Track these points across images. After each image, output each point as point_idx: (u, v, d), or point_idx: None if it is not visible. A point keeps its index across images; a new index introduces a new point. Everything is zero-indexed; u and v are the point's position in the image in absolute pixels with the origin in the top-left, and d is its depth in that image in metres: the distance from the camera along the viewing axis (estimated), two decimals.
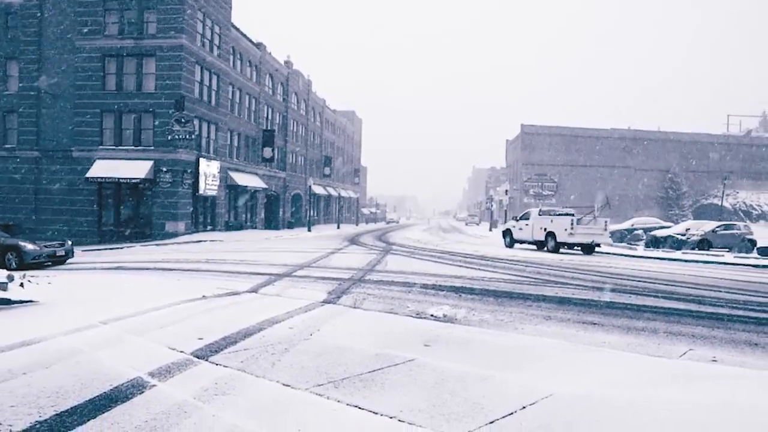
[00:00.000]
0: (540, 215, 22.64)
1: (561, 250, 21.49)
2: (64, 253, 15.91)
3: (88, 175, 29.77)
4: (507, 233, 24.96)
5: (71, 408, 3.56)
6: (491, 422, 3.39)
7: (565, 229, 20.57)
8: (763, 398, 3.86)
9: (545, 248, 21.65)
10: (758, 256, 20.37)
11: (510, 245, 24.41)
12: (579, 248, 21.52)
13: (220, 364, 4.62)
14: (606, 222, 21.63)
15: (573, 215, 21.65)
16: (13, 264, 14.50)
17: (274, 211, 47.23)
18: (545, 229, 21.65)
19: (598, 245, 21.23)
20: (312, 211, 55.00)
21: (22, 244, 15.06)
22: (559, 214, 22.46)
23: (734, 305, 8.53)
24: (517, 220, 24.21)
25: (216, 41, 34.33)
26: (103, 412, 3.48)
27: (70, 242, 16.74)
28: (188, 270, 13.16)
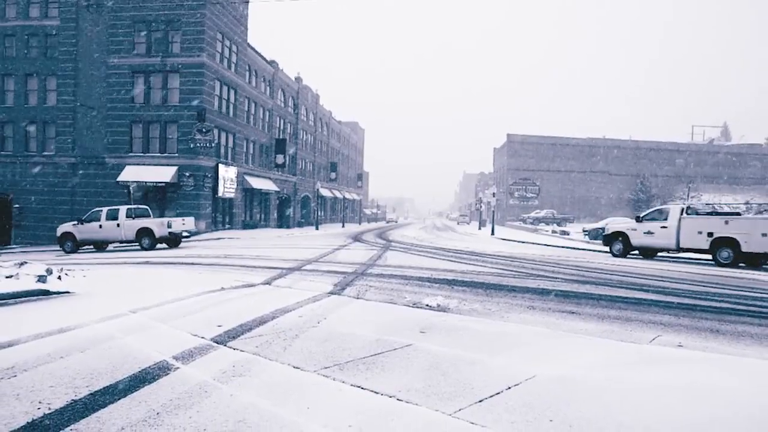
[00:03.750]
0: (689, 215, 16.06)
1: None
2: None
3: (119, 179, 29.80)
4: (617, 238, 17.64)
5: (104, 388, 3.56)
6: (480, 401, 3.39)
7: (764, 234, 13.99)
8: (722, 378, 3.86)
9: (715, 260, 15.06)
10: None
11: (621, 254, 17.37)
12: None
13: (237, 349, 4.62)
14: None
15: (739, 214, 15.67)
16: None
17: (286, 211, 47.23)
18: (710, 234, 15.08)
19: None
20: (319, 212, 54.99)
21: None
22: (720, 213, 16.29)
23: (698, 296, 8.52)
24: (640, 221, 17.15)
25: (233, 59, 34.34)
26: (133, 392, 3.48)
27: None
28: (209, 264, 13.14)
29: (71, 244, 20.70)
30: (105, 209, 20.86)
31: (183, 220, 21.25)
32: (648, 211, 17.76)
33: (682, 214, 16.18)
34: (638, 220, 17.43)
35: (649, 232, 16.82)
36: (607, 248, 18.68)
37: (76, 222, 21.00)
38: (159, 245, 20.60)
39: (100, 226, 20.32)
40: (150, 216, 21.40)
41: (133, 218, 20.36)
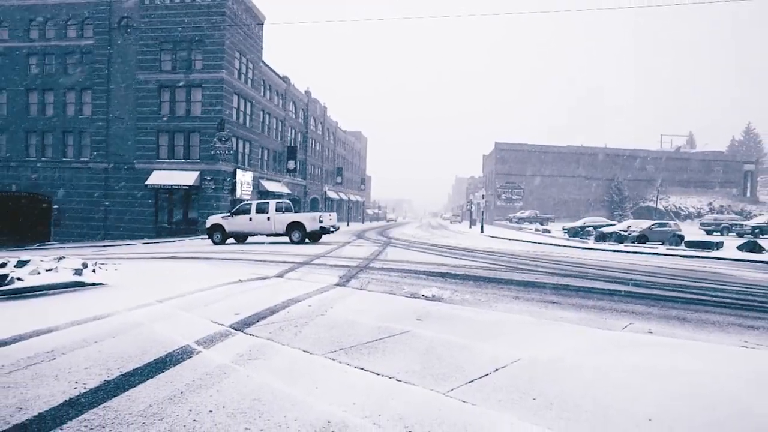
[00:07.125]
0: None
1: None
2: None
3: (147, 182, 29.81)
4: None
5: (133, 369, 3.57)
6: (470, 381, 3.39)
7: None
8: (687, 362, 3.86)
9: None
10: (685, 248, 20.35)
11: None
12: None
13: (253, 335, 4.62)
14: None
15: None
16: None
17: (297, 211, 47.23)
18: None
19: None
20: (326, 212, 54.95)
21: None
22: None
23: (666, 288, 8.51)
24: None
25: (250, 75, 34.33)
26: (159, 373, 3.48)
27: None
28: (227, 259, 13.12)
29: (220, 236, 19.27)
30: (254, 202, 19.31)
31: (330, 215, 19.16)
32: None
33: None
34: None
35: None
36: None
37: (226, 214, 19.65)
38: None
39: (250, 219, 18.82)
40: (292, 210, 19.91)
41: (283, 212, 19.02)
